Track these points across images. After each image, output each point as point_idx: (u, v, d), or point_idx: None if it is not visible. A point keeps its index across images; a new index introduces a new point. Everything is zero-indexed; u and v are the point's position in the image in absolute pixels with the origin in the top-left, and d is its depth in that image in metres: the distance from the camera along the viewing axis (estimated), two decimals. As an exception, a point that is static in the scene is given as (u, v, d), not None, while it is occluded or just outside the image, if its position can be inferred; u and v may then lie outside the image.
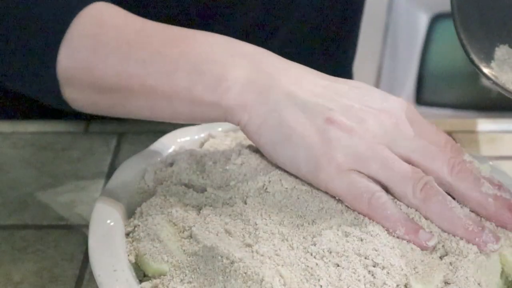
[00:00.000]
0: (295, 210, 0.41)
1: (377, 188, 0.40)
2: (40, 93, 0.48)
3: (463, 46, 0.47)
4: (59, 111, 0.69)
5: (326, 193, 0.41)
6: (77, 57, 0.44)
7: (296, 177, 0.42)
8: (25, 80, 0.47)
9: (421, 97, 1.86)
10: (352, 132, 0.40)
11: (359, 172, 0.40)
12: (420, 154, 0.41)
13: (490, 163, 0.48)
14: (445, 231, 0.40)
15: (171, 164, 0.47)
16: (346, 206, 0.41)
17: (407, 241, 0.39)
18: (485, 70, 0.46)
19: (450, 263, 0.39)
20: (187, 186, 0.44)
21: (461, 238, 0.39)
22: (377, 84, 1.88)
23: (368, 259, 0.37)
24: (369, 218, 0.40)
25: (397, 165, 0.40)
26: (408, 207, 0.41)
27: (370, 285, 0.36)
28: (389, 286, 0.36)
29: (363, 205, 0.40)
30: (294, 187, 0.42)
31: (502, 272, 0.41)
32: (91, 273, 0.45)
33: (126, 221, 0.42)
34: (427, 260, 0.39)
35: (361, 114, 0.41)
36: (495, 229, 0.41)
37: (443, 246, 0.40)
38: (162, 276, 0.38)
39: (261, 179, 0.43)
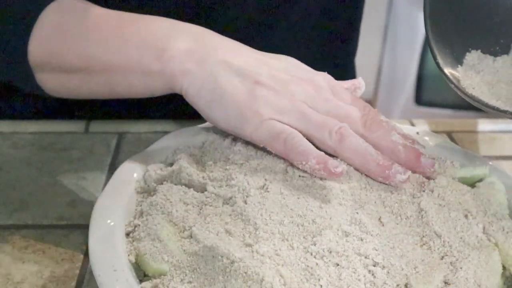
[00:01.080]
0: (295, 209, 0.41)
1: (293, 129, 0.45)
2: (15, 80, 0.55)
3: (431, 49, 0.48)
4: (59, 111, 0.69)
5: (326, 194, 0.42)
6: (45, 44, 0.50)
7: (297, 177, 0.44)
8: (0, 70, 0.53)
9: (421, 97, 1.86)
10: (276, 91, 0.46)
11: (280, 122, 0.45)
12: (336, 113, 0.46)
13: (490, 163, 0.49)
14: (359, 168, 0.44)
15: (171, 164, 0.47)
16: (345, 205, 0.41)
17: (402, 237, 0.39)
18: (449, 74, 0.48)
19: (451, 263, 0.39)
20: (187, 186, 0.45)
21: (377, 177, 0.44)
22: (377, 84, 1.88)
23: (368, 258, 0.38)
24: (286, 158, 0.44)
25: (314, 116, 0.45)
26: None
27: (370, 285, 0.36)
28: (389, 285, 0.36)
29: (280, 145, 0.45)
30: (294, 187, 0.42)
31: (503, 271, 0.41)
32: (91, 273, 0.45)
33: (126, 221, 0.42)
34: (427, 259, 0.39)
35: (286, 80, 0.47)
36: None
37: (443, 245, 0.40)
38: (162, 276, 0.38)
39: (262, 179, 0.43)
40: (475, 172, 0.47)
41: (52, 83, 0.54)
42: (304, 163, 0.43)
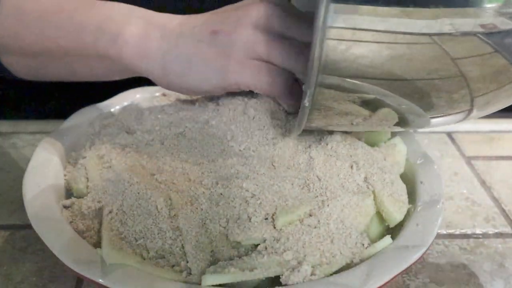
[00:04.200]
0: (201, 151, 0.50)
1: (274, 67, 0.49)
2: None
3: None
4: (59, 111, 0.69)
5: (232, 142, 0.51)
6: (6, 26, 0.53)
7: (213, 127, 0.53)
8: None
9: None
10: (234, 31, 0.49)
11: (255, 59, 0.49)
12: (290, 27, 0.49)
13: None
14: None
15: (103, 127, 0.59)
16: (243, 149, 0.50)
17: (288, 179, 0.48)
18: None
19: (322, 201, 0.46)
20: (126, 131, 0.55)
21: None
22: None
23: (248, 191, 0.46)
24: (271, 95, 0.50)
25: (277, 41, 0.48)
26: None
27: (243, 212, 0.45)
28: (259, 213, 0.44)
29: (264, 84, 0.48)
30: (208, 134, 0.52)
31: (381, 219, 0.48)
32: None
33: (69, 155, 0.54)
34: (301, 196, 0.47)
35: (235, 16, 0.49)
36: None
37: (321, 187, 0.47)
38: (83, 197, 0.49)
39: (183, 126, 0.53)
40: (378, 133, 0.54)
41: (18, 66, 0.58)
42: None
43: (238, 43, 0.48)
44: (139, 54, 0.50)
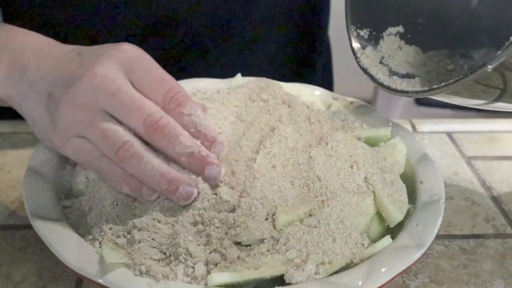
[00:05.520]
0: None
1: (95, 150, 0.47)
2: None
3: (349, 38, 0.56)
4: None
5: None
6: None
7: None
8: None
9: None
10: (60, 103, 0.47)
11: (81, 137, 0.47)
12: (119, 111, 0.46)
13: (390, 124, 0.56)
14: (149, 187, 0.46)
15: None
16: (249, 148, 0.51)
17: (288, 179, 0.48)
18: (356, 48, 0.56)
19: (322, 201, 0.46)
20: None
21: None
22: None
23: (248, 191, 0.46)
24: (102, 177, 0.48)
25: (95, 126, 0.46)
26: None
27: (244, 212, 0.44)
28: (261, 212, 0.45)
29: (93, 166, 0.47)
30: None
31: (381, 219, 0.48)
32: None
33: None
34: (302, 196, 0.47)
35: (71, 81, 0.47)
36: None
37: (321, 187, 0.47)
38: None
39: None
40: (378, 133, 0.54)
41: None
42: (118, 188, 0.46)
43: (61, 119, 0.47)
44: (5, 94, 0.51)
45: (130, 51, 0.48)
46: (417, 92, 0.51)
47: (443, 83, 0.47)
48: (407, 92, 0.52)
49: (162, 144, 0.46)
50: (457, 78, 0.45)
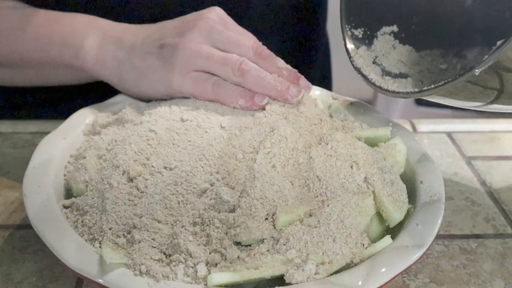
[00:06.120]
0: (200, 146, 0.51)
1: (214, 77, 0.55)
2: None
3: (344, 38, 0.57)
4: (59, 111, 0.69)
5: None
6: None
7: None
8: None
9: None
10: (178, 45, 0.55)
11: (197, 70, 0.56)
12: (230, 44, 0.56)
13: (390, 124, 0.56)
14: (262, 94, 0.55)
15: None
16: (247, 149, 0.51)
17: (288, 179, 0.48)
18: (350, 49, 0.57)
19: (322, 201, 0.47)
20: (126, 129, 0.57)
21: (278, 98, 0.55)
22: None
23: (248, 191, 0.47)
24: (217, 101, 0.55)
25: (216, 55, 0.55)
26: None
27: (244, 212, 0.45)
28: (261, 212, 0.45)
29: (209, 93, 0.55)
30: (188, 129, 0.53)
31: (381, 219, 0.48)
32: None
33: (67, 155, 0.55)
34: (302, 196, 0.47)
35: (182, 30, 0.57)
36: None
37: (321, 187, 0.47)
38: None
39: (169, 119, 0.54)
40: (378, 133, 0.54)
41: None
42: (234, 103, 0.54)
43: (181, 56, 0.55)
44: (98, 64, 0.59)
45: (218, 9, 0.59)
46: (407, 93, 0.51)
47: (432, 85, 0.47)
48: (398, 92, 0.52)
49: (268, 61, 0.56)
50: (446, 80, 0.46)
